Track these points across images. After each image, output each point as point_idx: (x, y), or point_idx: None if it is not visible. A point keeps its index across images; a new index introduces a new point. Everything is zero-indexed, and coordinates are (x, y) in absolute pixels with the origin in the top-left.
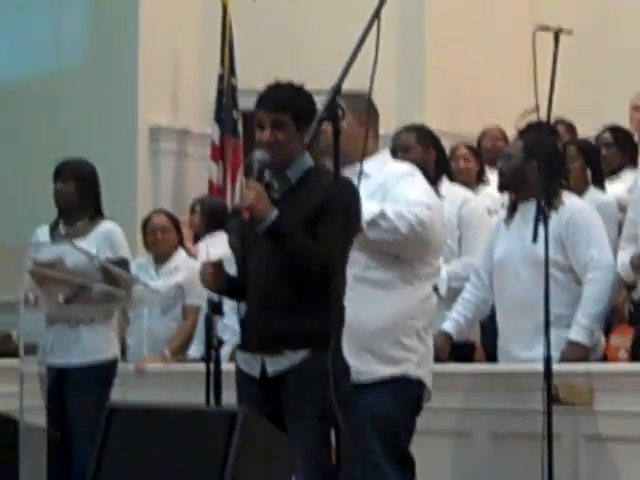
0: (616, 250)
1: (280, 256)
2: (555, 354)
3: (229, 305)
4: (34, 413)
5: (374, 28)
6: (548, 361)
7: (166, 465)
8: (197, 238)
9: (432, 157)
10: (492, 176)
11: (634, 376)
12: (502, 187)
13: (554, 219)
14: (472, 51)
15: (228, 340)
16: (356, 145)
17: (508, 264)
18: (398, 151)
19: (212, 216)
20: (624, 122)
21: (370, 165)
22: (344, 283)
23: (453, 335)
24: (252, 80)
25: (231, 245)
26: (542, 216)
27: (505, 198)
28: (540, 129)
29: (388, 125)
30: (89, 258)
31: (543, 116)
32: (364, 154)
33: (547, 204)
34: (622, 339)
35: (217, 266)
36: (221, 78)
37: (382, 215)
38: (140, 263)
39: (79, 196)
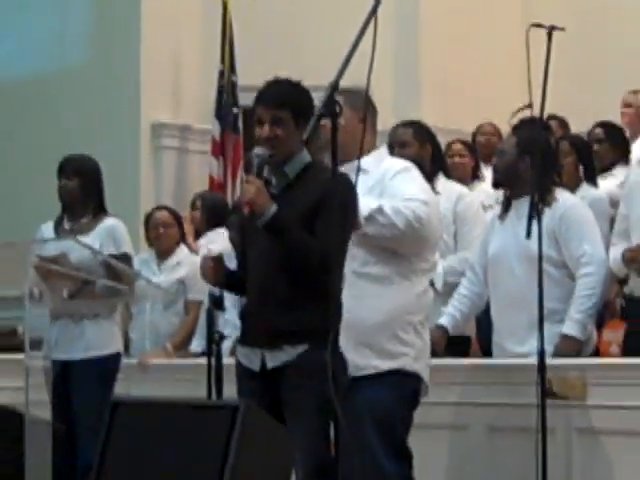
0: (608, 245)
1: (279, 251)
2: (548, 348)
3: (230, 300)
4: (39, 407)
5: (371, 26)
6: (542, 355)
7: (169, 457)
8: (198, 233)
9: (428, 153)
10: (487, 172)
11: (626, 370)
12: (496, 183)
13: (547, 215)
14: (468, 49)
15: (229, 335)
16: (354, 141)
17: (502, 259)
18: (395, 146)
19: (213, 212)
20: (618, 118)
21: (368, 161)
22: (342, 278)
23: (449, 329)
24: (252, 77)
25: (232, 240)
26: (536, 212)
27: (499, 194)
28: (533, 125)
29: (385, 121)
30: (92, 254)
31: (537, 112)
32: (362, 150)
33: (540, 200)
34: (614, 334)
35: (217, 260)
36: (221, 75)
37: (380, 211)
38: (142, 258)
39: (82, 192)
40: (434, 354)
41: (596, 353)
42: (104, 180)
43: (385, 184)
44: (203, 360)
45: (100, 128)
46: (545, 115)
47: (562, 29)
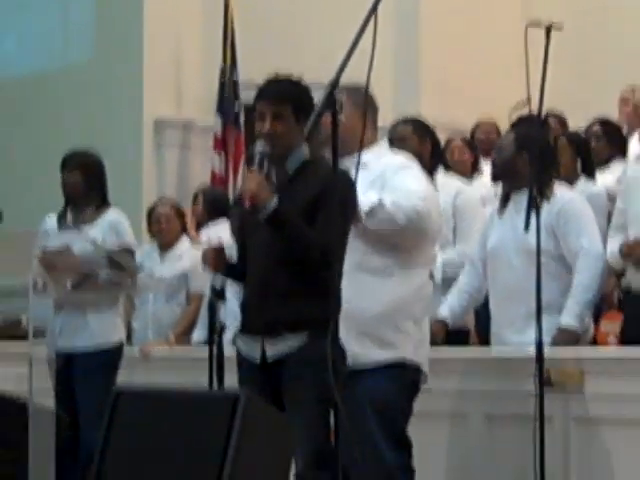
0: (605, 239)
1: (280, 243)
2: (546, 339)
3: (231, 291)
4: (43, 396)
5: (371, 24)
6: (540, 346)
7: (170, 446)
8: (200, 227)
9: (428, 148)
10: (486, 167)
11: (622, 360)
12: (495, 179)
13: (546, 209)
14: (467, 47)
15: (230, 325)
16: (355, 136)
17: (501, 252)
18: (395, 142)
19: (214, 205)
20: (616, 115)
21: (369, 156)
22: (341, 270)
23: (448, 321)
24: (253, 74)
25: (234, 232)
26: (534, 206)
27: (498, 188)
28: (531, 122)
29: (385, 118)
30: (95, 246)
31: (535, 109)
32: (362, 145)
33: (539, 195)
34: (611, 325)
35: (218, 250)
36: (223, 72)
37: (380, 205)
38: (145, 251)
39: (85, 185)
40: (433, 344)
41: (594, 344)
42: (108, 175)
43: (386, 179)
44: (205, 350)
45: (104, 124)
46: (544, 112)
47: (560, 27)
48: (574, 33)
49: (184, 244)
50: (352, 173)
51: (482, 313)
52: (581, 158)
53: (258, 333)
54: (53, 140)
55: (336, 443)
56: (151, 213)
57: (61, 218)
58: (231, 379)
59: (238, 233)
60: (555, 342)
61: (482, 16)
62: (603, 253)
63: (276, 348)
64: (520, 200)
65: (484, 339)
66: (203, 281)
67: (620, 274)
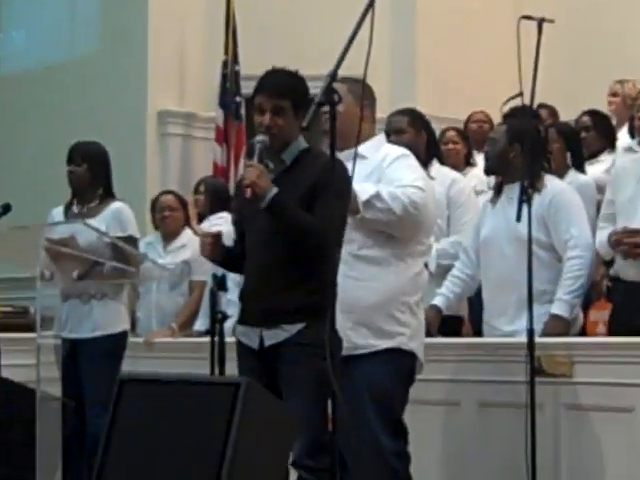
0: (595, 229)
1: (280, 231)
2: (537, 328)
3: (233, 281)
4: (50, 384)
5: (368, 17)
6: (531, 334)
7: (173, 432)
8: (201, 217)
9: (423, 140)
10: (479, 158)
11: (611, 349)
12: (488, 170)
13: (537, 200)
14: (462, 41)
15: (232, 314)
16: (354, 128)
17: (494, 242)
18: (391, 133)
19: (215, 195)
20: (605, 107)
21: (366, 148)
22: (338, 259)
23: (443, 309)
24: (254, 67)
25: (234, 223)
26: (526, 197)
27: (491, 179)
28: (523, 114)
29: (381, 110)
30: (99, 236)
31: (527, 101)
32: (359, 137)
33: (530, 186)
34: (600, 313)
35: (216, 237)
36: (225, 65)
37: (377, 196)
38: (149, 241)
39: (91, 177)
40: (428, 333)
41: (583, 332)
42: (112, 166)
43: (383, 170)
44: (206, 339)
45: (108, 116)
46: (535, 104)
47: (552, 21)
48: (565, 27)
49: (187, 234)
50: (350, 165)
51: (475, 301)
52: (570, 149)
53: (256, 323)
54: (59, 131)
55: (333, 429)
56: (155, 203)
57: (67, 209)
58: (232, 367)
59: (238, 224)
60: (546, 330)
61: (477, 10)
62: (592, 243)
63: (274, 336)
64: (512, 191)
65: (477, 327)
66: (205, 271)
67: (609, 263)
